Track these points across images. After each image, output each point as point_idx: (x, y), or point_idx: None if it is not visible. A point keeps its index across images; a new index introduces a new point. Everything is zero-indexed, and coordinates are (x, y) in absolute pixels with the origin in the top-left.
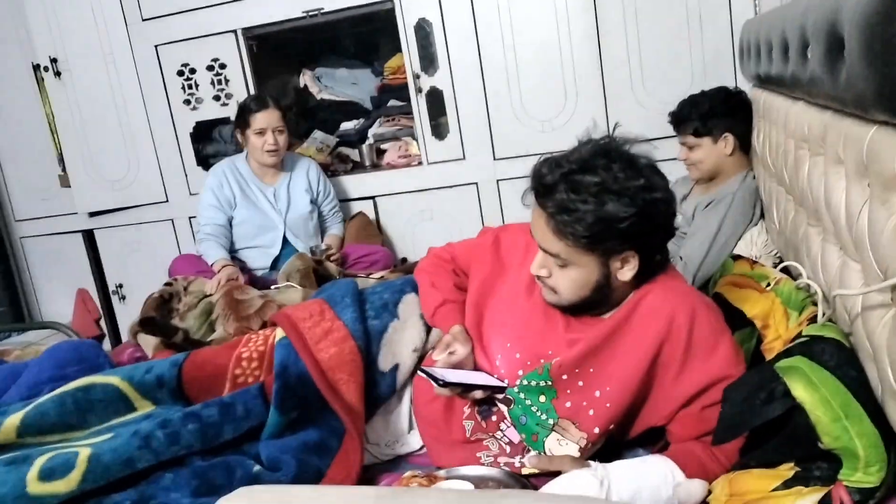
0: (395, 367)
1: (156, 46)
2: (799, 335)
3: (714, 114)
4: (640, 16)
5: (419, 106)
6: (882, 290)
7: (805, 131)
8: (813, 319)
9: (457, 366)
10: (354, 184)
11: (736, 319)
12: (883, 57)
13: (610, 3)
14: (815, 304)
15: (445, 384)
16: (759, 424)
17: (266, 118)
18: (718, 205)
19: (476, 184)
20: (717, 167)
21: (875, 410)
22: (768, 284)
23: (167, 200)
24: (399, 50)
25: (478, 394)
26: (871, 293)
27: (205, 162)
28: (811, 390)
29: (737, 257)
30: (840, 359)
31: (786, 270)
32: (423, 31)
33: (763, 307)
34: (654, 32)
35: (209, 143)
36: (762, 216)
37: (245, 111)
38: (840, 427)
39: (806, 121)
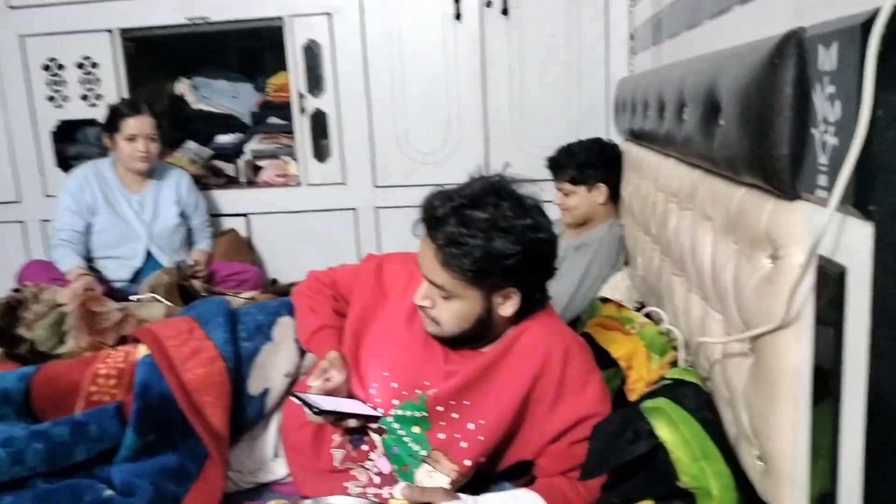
0: (265, 392)
1: (22, 36)
2: (661, 378)
3: (590, 164)
4: (524, 63)
5: (302, 126)
6: (742, 341)
7: (675, 186)
8: (674, 363)
9: (331, 393)
10: (227, 199)
11: (602, 359)
12: (757, 126)
13: (497, 48)
14: (676, 348)
15: (320, 412)
16: (624, 462)
17: (138, 124)
18: (587, 249)
19: (355, 209)
20: (589, 214)
21: (729, 452)
22: (633, 328)
23: (19, 201)
24: (284, 68)
25: (351, 422)
26: (731, 342)
27: (66, 163)
28: (673, 431)
29: (605, 300)
30: (699, 402)
31: (649, 316)
32: (311, 52)
33: (628, 349)
34: (537, 80)
35: (73, 143)
36: (626, 263)
37: (116, 115)
38: (698, 467)
39: (677, 177)
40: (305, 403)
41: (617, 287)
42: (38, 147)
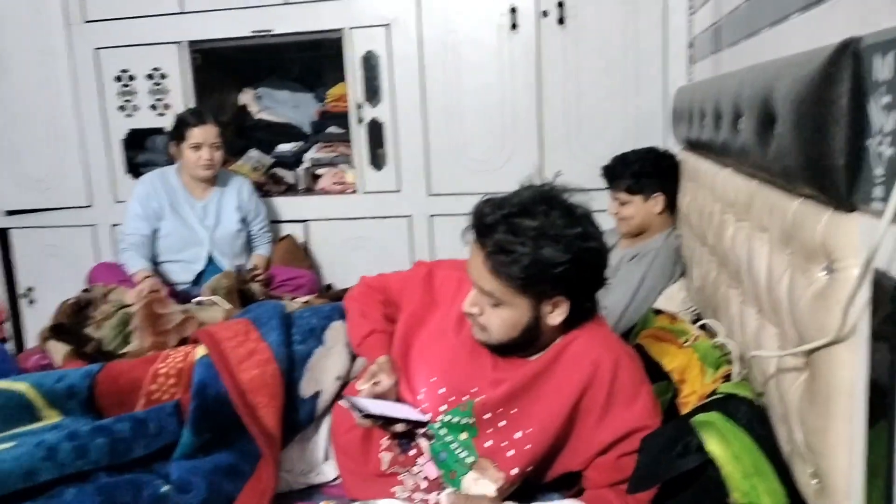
0: (317, 395)
1: (96, 49)
2: (714, 392)
3: (647, 173)
4: (580, 73)
5: (359, 135)
6: (796, 355)
7: (732, 197)
8: (727, 377)
9: (380, 397)
10: (286, 206)
11: (654, 372)
12: (812, 135)
13: (553, 58)
14: (731, 362)
15: (368, 416)
16: (673, 476)
17: (203, 133)
18: (642, 259)
19: (409, 216)
20: (645, 223)
21: (782, 470)
22: (686, 340)
23: (91, 205)
24: (343, 78)
25: (399, 427)
26: (786, 357)
27: (135, 170)
28: (724, 446)
29: (658, 311)
30: (752, 417)
31: (703, 328)
32: (369, 63)
33: (681, 362)
34: (593, 89)
35: (142, 151)
36: (682, 274)
37: (182, 124)
38: (749, 484)
39: (733, 187)
40: (354, 407)
41: (672, 298)
42: (109, 155)
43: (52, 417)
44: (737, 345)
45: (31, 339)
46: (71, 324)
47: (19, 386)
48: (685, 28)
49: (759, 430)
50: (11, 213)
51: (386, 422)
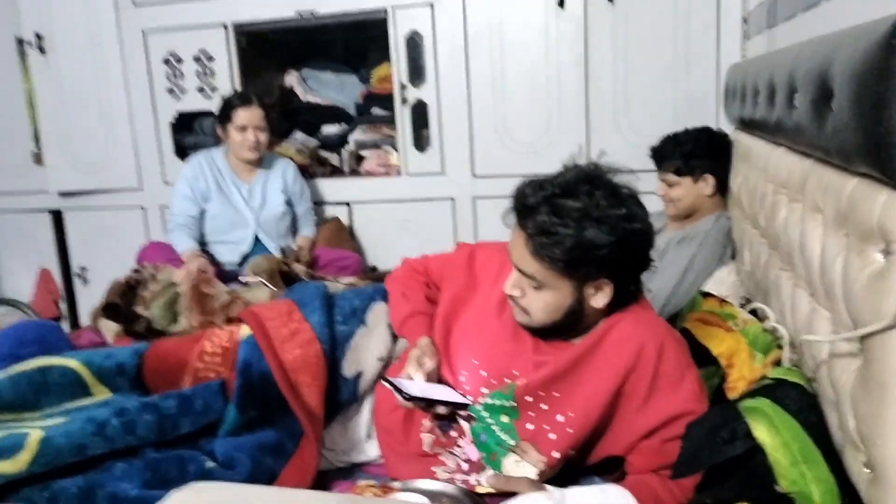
0: (359, 375)
1: (144, 32)
2: (763, 377)
3: (697, 154)
4: (629, 51)
5: (403, 116)
6: (850, 340)
7: (785, 177)
8: (778, 363)
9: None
10: (331, 188)
11: (701, 356)
12: (872, 111)
13: (601, 36)
14: (781, 347)
15: (410, 398)
16: (719, 462)
17: (249, 115)
18: (691, 242)
19: (453, 199)
20: (695, 205)
21: (833, 458)
22: (735, 324)
23: (141, 188)
24: (388, 59)
25: (440, 409)
26: (839, 342)
27: (183, 152)
28: (772, 433)
29: (706, 295)
30: (802, 404)
31: (753, 312)
32: (413, 43)
33: (729, 346)
34: (642, 68)
35: (189, 134)
36: (733, 257)
37: (228, 106)
38: (798, 471)
39: (787, 167)
40: (396, 389)
41: (722, 282)
42: (157, 137)
43: (101, 394)
44: (788, 329)
45: (84, 317)
46: (122, 303)
47: (71, 363)
48: (739, 3)
49: (810, 417)
50: (65, 194)
51: (427, 404)
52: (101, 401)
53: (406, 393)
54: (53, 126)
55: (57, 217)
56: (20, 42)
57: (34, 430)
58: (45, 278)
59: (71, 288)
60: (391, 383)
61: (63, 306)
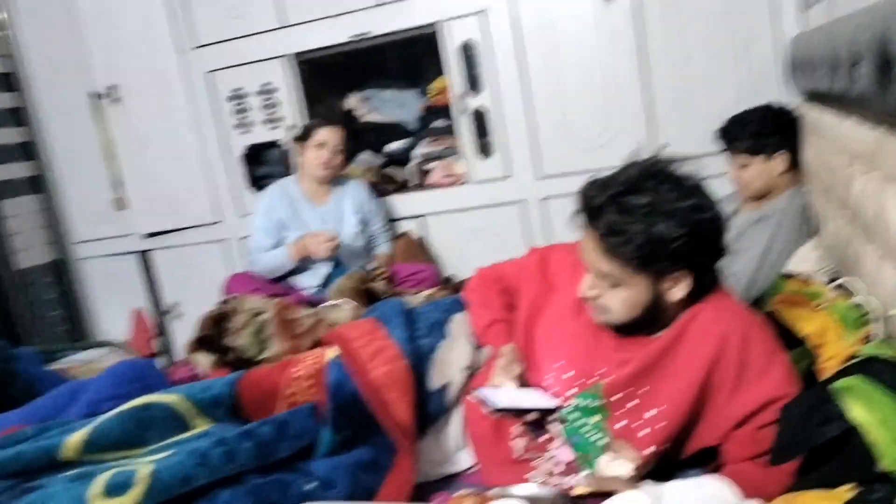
0: (445, 387)
1: (208, 73)
2: (854, 354)
3: (765, 132)
4: (684, 34)
5: (464, 126)
6: None
7: (857, 148)
8: (868, 338)
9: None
10: (401, 203)
11: (789, 338)
12: None
13: (653, 22)
14: (871, 322)
15: (497, 410)
16: (817, 445)
17: (329, 133)
18: (768, 221)
19: (521, 202)
20: (769, 185)
21: None
22: (821, 303)
23: (220, 221)
24: (443, 71)
25: (530, 417)
26: None
27: (257, 183)
28: (869, 411)
29: (788, 276)
30: None
31: (840, 288)
32: (467, 52)
33: (817, 325)
34: (700, 50)
35: (260, 165)
36: (815, 232)
37: (311, 125)
38: None
39: (857, 137)
40: (484, 401)
41: (806, 259)
42: (230, 171)
43: (201, 425)
44: (878, 303)
45: (180, 352)
46: (212, 335)
47: (170, 398)
48: None
49: None
50: (149, 235)
51: (517, 413)
52: (202, 432)
53: (494, 406)
54: (133, 171)
55: (144, 258)
56: (96, 96)
57: (143, 466)
58: (139, 318)
59: (164, 324)
60: (479, 396)
61: (158, 343)
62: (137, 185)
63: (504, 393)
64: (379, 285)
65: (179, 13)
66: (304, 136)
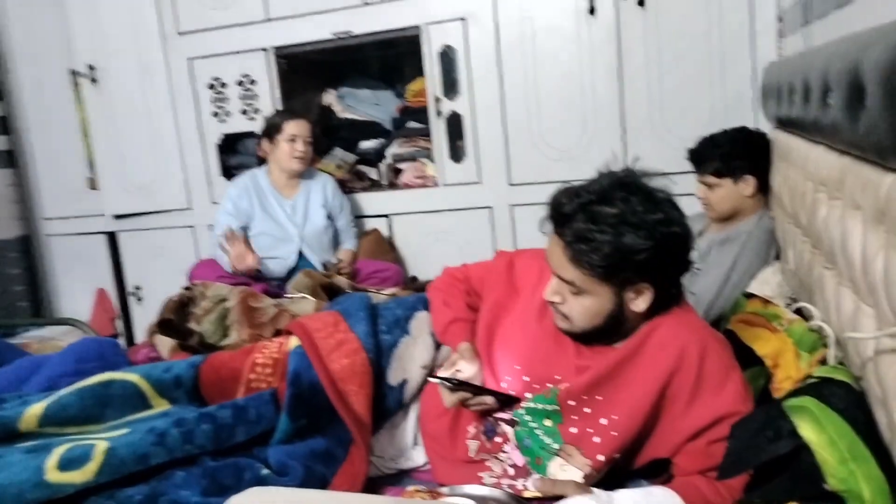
0: (404, 383)
1: (190, 59)
2: (809, 376)
3: (736, 155)
4: (662, 53)
5: (438, 129)
6: (894, 336)
7: (824, 175)
8: (823, 362)
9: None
10: (370, 201)
11: (746, 357)
12: None
13: (633, 40)
14: (827, 346)
15: (459, 383)
16: (765, 461)
17: (298, 127)
18: (733, 243)
19: (490, 207)
20: (736, 207)
21: (882, 456)
22: (780, 324)
23: (190, 208)
24: (422, 73)
25: (488, 399)
26: (883, 339)
27: (229, 173)
28: (818, 430)
29: (750, 296)
30: (849, 401)
31: (798, 312)
32: (447, 57)
33: (774, 346)
34: (676, 70)
35: (234, 155)
36: (777, 257)
37: (278, 119)
38: (847, 469)
39: (825, 165)
40: (444, 380)
41: (767, 282)
42: (205, 159)
43: (160, 406)
44: (833, 328)
45: (140, 334)
46: (175, 319)
47: (131, 377)
48: (773, 1)
49: (857, 415)
50: (119, 217)
51: (475, 390)
52: (161, 412)
53: (454, 380)
54: (106, 152)
55: (112, 239)
56: (73, 73)
57: (100, 442)
58: (102, 298)
59: (126, 306)
60: (438, 378)
61: (119, 324)
62: (110, 166)
63: (463, 374)
64: (341, 280)
65: None
66: (273, 130)
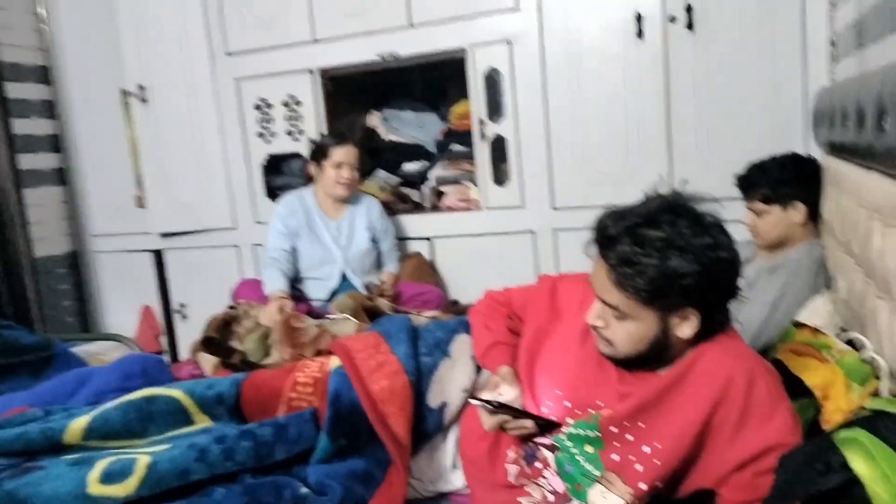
0: (444, 405)
1: (237, 80)
2: (861, 409)
3: (785, 181)
4: (711, 78)
5: (482, 152)
6: None
7: (879, 202)
8: (876, 394)
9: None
10: (413, 224)
11: (795, 388)
12: None
13: (682, 64)
14: (879, 377)
15: (499, 405)
16: (814, 495)
17: (345, 153)
18: (782, 271)
19: (533, 232)
20: (785, 234)
21: None
22: (830, 355)
23: (235, 227)
24: (466, 96)
25: (528, 423)
26: None
27: (273, 193)
28: (871, 464)
29: (799, 325)
30: None
31: (850, 342)
32: (492, 79)
33: (824, 377)
34: (725, 94)
35: (279, 175)
36: (827, 286)
37: (325, 144)
38: None
39: (880, 191)
40: (484, 402)
41: (817, 312)
42: (250, 179)
43: (202, 422)
44: (886, 359)
45: (184, 351)
46: (218, 337)
47: (175, 393)
48: (825, 24)
49: None
50: (165, 235)
51: (515, 414)
52: (202, 428)
53: (494, 402)
54: (154, 171)
55: (158, 257)
56: (124, 93)
57: (142, 456)
58: (148, 315)
59: (171, 323)
60: (479, 399)
61: (164, 341)
62: (158, 184)
63: (504, 398)
64: (382, 303)
65: (214, 20)
66: (321, 155)
